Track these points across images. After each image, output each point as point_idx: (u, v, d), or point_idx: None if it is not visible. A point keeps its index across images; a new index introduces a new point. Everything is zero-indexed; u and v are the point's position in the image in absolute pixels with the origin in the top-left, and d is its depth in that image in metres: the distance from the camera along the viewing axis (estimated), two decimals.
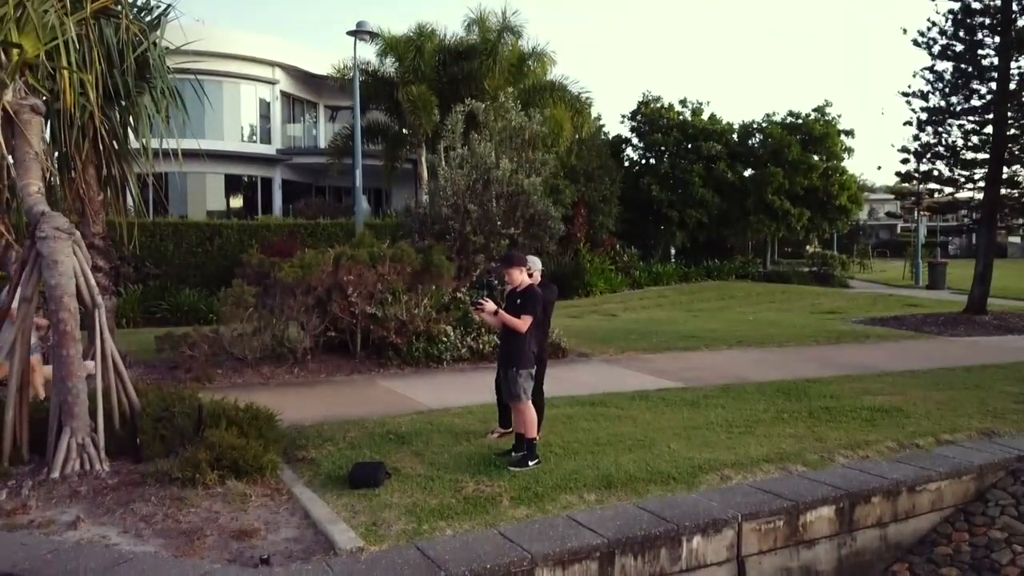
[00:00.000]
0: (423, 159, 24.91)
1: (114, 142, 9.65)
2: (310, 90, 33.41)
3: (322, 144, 32.04)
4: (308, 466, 6.29)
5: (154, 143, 9.75)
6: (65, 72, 7.25)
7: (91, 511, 5.32)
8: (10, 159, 6.89)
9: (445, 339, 11.54)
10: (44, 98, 7.35)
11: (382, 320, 11.15)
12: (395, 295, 11.45)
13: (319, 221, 22.33)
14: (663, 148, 33.12)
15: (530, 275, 6.66)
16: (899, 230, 69.69)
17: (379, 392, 9.66)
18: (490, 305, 6.29)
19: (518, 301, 6.38)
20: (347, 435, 7.15)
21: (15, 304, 6.47)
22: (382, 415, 8.04)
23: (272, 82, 31.42)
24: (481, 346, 11.72)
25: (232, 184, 31.20)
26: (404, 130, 25.60)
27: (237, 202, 31.32)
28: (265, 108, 31.70)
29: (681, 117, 33.44)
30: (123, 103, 9.82)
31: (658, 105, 33.91)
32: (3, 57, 6.78)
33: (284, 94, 32.36)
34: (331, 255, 11.25)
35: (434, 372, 11.04)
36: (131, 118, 9.91)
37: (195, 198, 29.25)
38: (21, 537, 4.89)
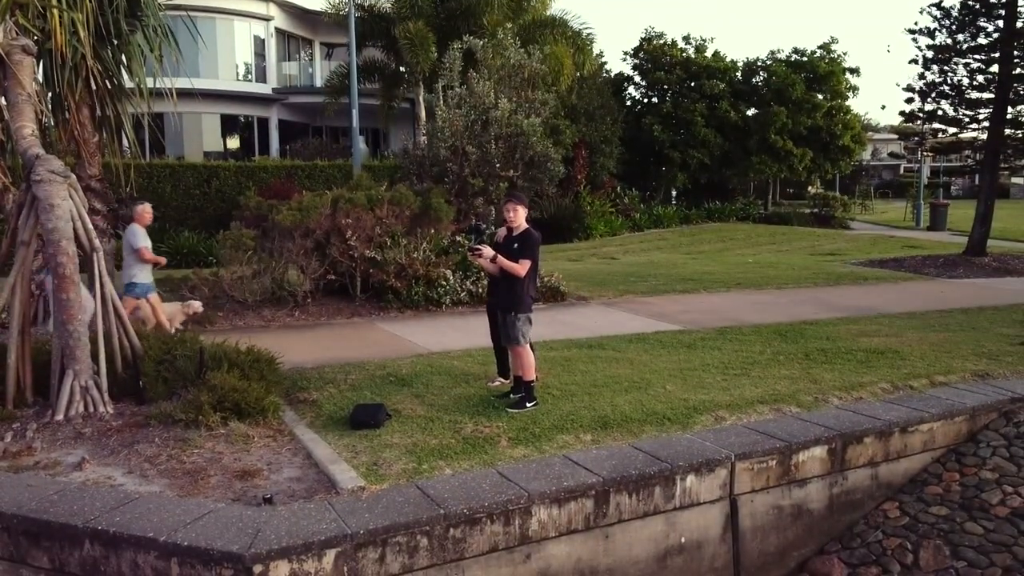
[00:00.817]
0: (421, 98, 24.50)
1: (107, 82, 9.50)
2: (305, 27, 32.66)
3: (318, 83, 31.47)
4: (310, 408, 6.38)
5: (148, 82, 9.61)
6: (55, 11, 7.09)
7: (96, 452, 5.42)
8: (2, 101, 6.80)
9: (444, 283, 11.55)
10: (35, 38, 7.20)
11: (381, 264, 11.15)
12: (394, 239, 11.43)
13: (316, 163, 22.15)
14: (665, 87, 32.53)
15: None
16: (902, 171, 69.10)
17: (379, 335, 9.73)
18: (488, 251, 6.28)
19: (515, 245, 6.37)
20: (348, 377, 7.24)
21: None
22: (383, 358, 8.11)
23: (266, 18, 30.70)
24: (480, 290, 11.70)
25: (228, 124, 30.79)
26: (401, 68, 25.12)
27: (234, 143, 30.95)
28: (260, 45, 31.03)
29: (684, 55, 32.75)
30: (115, 42, 9.63)
31: (661, 42, 33.18)
32: None
33: (279, 31, 31.64)
34: (329, 198, 11.18)
35: (433, 315, 11.09)
36: (124, 57, 9.75)
37: (191, 139, 28.87)
38: (27, 479, 4.99)
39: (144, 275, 8.87)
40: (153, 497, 4.65)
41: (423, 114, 24.38)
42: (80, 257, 6.28)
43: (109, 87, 9.62)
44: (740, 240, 25.17)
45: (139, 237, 8.86)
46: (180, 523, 4.23)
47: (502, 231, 6.58)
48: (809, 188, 43.02)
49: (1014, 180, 54.54)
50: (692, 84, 31.97)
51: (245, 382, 6.06)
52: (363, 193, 11.46)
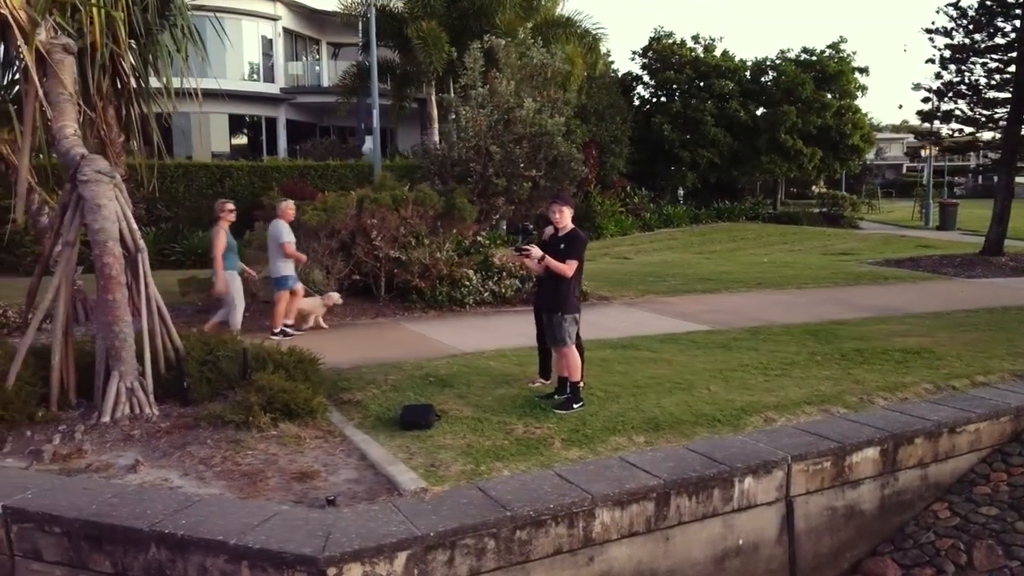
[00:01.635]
0: (432, 98, 24.46)
1: (133, 81, 9.47)
2: (313, 26, 32.62)
3: (325, 83, 31.42)
4: (355, 408, 6.34)
5: (166, 82, 9.58)
6: (95, 9, 7.05)
7: (148, 454, 5.38)
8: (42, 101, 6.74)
9: (467, 283, 11.49)
10: (68, 36, 7.16)
11: (406, 264, 11.10)
12: (418, 239, 11.39)
13: (328, 163, 22.10)
14: (675, 86, 32.48)
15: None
16: (904, 170, 69.17)
17: (407, 335, 9.69)
18: (536, 251, 6.23)
19: (562, 246, 6.33)
20: (387, 378, 7.20)
21: (57, 249, 6.41)
22: (418, 358, 8.08)
23: (274, 18, 30.63)
24: (503, 290, 11.69)
25: (236, 124, 30.72)
26: (411, 68, 25.05)
27: (242, 143, 30.88)
28: (267, 45, 30.96)
29: (693, 54, 32.68)
30: (142, 42, 9.60)
31: (670, 41, 33.10)
32: None
33: (286, 31, 31.58)
34: (354, 198, 11.14)
35: (457, 316, 11.04)
36: (151, 57, 9.71)
37: (199, 139, 28.80)
38: (82, 481, 4.94)
39: (290, 268, 9.37)
40: (215, 499, 4.62)
41: (435, 114, 24.35)
42: (124, 257, 6.24)
43: (135, 87, 9.59)
44: (751, 240, 25.15)
45: (283, 232, 9.32)
46: (247, 526, 4.19)
47: (548, 231, 6.54)
48: (813, 187, 43.00)
49: (1018, 179, 54.54)
50: (701, 83, 31.92)
51: (292, 383, 6.02)
52: (388, 193, 11.42)
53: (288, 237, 9.34)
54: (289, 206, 9.66)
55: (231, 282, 8.90)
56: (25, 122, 6.90)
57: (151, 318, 6.28)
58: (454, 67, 20.17)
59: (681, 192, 33.65)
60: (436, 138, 22.61)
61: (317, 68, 34.06)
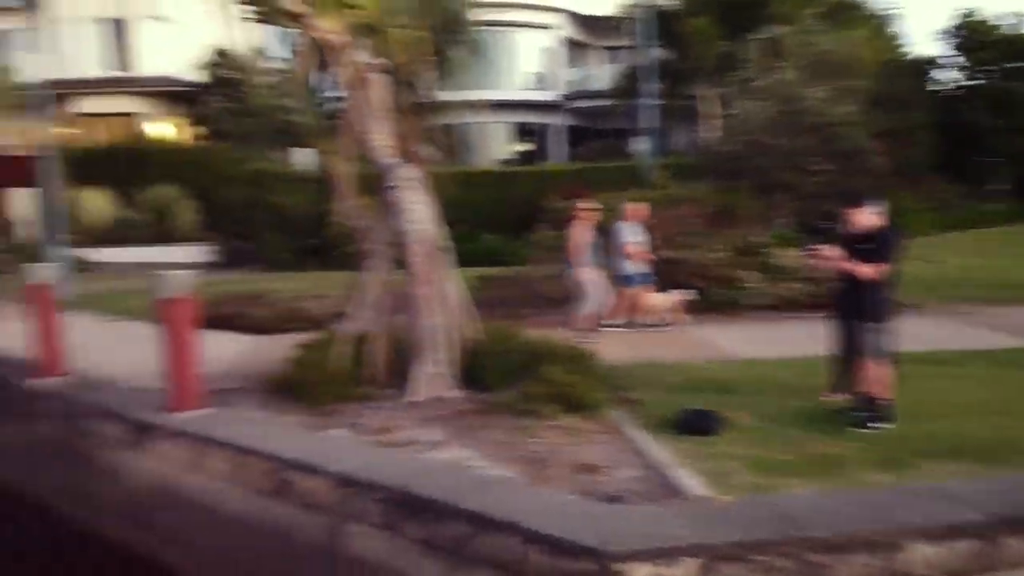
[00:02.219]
0: (704, 94, 23.86)
1: (429, 95, 10.40)
2: (587, 32, 33.43)
3: (599, 86, 32.03)
4: (633, 407, 6.36)
5: (451, 94, 10.38)
6: (403, 32, 7.86)
7: (449, 434, 5.87)
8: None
9: (747, 285, 11.00)
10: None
11: (680, 264, 10.93)
12: (693, 238, 11.17)
13: (600, 164, 22.57)
14: (987, 68, 28.39)
15: None
16: None
17: (682, 337, 9.55)
18: (826, 251, 5.78)
19: (865, 245, 5.78)
20: (663, 379, 7.16)
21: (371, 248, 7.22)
22: (694, 360, 7.95)
23: (552, 28, 31.85)
24: (786, 293, 10.99)
25: (517, 132, 32.39)
26: (683, 65, 24.63)
27: (523, 149, 32.51)
28: (545, 55, 32.32)
29: (1010, 31, 28.32)
30: (436, 58, 10.51)
31: (978, 19, 29.03)
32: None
33: (562, 39, 32.71)
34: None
35: (735, 319, 10.60)
36: (443, 72, 10.60)
37: (481, 147, 30.81)
38: (394, 454, 5.51)
39: (633, 267, 9.99)
40: (508, 482, 4.89)
41: (707, 110, 23.74)
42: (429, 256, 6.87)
43: (432, 100, 10.53)
44: None
45: (623, 234, 10.02)
46: (536, 511, 4.37)
47: (850, 229, 6.01)
48: None
49: None
50: (1020, 64, 27.52)
51: (574, 377, 6.22)
52: (663, 193, 11.37)
53: (628, 238, 9.82)
54: (634, 207, 10.14)
55: (587, 277, 9.45)
56: (346, 136, 7.90)
57: (454, 311, 6.86)
58: (727, 61, 19.50)
59: (999, 187, 29.23)
60: (709, 134, 22.07)
61: (591, 72, 34.85)
